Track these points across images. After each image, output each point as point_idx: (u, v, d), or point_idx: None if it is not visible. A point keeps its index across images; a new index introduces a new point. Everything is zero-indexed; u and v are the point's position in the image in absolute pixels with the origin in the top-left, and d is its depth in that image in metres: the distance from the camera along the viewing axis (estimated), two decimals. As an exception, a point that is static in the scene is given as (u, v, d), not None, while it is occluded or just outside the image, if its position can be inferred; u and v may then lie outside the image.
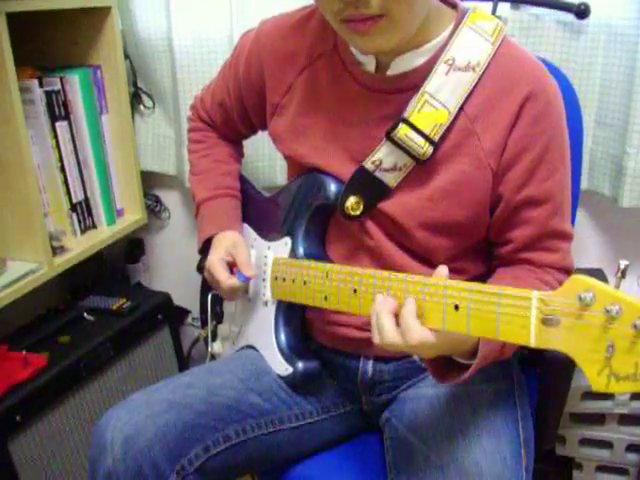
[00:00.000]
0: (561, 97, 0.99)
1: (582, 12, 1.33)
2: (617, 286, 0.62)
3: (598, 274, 1.37)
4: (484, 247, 1.07)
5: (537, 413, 1.16)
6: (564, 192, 1.00)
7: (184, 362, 1.85)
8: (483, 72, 0.94)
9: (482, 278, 1.03)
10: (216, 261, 1.14)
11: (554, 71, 1.22)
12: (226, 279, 1.12)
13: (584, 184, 1.45)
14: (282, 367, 1.12)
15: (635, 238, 1.54)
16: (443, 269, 0.82)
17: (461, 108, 0.95)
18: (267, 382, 1.12)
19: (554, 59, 1.37)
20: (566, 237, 1.02)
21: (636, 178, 1.35)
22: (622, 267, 0.62)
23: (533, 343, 0.69)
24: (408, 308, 0.81)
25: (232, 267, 1.16)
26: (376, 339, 0.83)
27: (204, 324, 1.36)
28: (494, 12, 1.37)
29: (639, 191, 1.36)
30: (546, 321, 0.67)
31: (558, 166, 0.98)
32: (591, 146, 1.44)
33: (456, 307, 0.77)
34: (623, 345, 0.60)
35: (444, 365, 0.89)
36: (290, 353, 1.13)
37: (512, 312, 0.71)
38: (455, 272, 0.85)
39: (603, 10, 1.34)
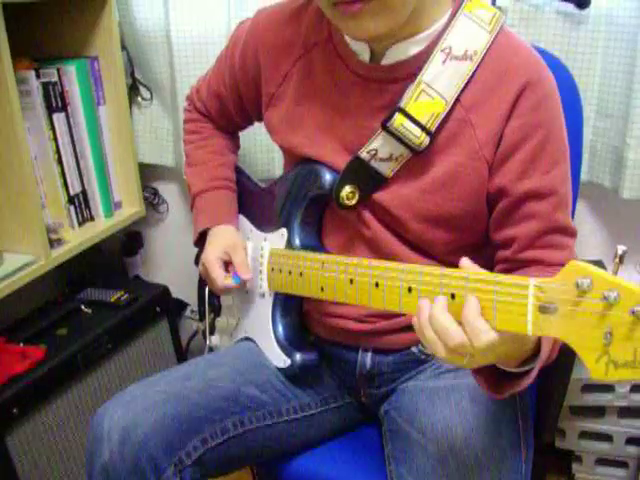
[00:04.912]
0: (557, 90, 0.97)
1: (582, 3, 1.32)
2: (615, 272, 0.62)
3: (598, 265, 1.36)
4: (484, 244, 1.04)
5: (537, 405, 1.15)
6: (566, 185, 0.98)
7: (182, 355, 1.84)
8: (480, 61, 0.93)
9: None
10: (213, 259, 1.14)
11: (554, 62, 1.21)
12: (222, 279, 1.12)
13: (584, 175, 1.44)
14: (280, 359, 1.12)
15: (636, 229, 1.53)
16: (466, 261, 0.78)
17: (457, 98, 0.94)
18: (265, 374, 1.12)
19: (554, 50, 1.36)
20: (571, 233, 1.00)
21: (636, 169, 1.35)
22: (620, 252, 0.61)
23: (530, 331, 0.68)
24: (472, 307, 0.73)
25: (227, 265, 1.16)
26: (440, 350, 0.74)
27: (202, 317, 1.35)
28: (494, 2, 1.37)
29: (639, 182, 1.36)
30: (543, 309, 0.66)
31: (559, 158, 0.96)
32: (591, 137, 1.44)
33: (453, 296, 0.76)
34: (621, 332, 0.60)
35: (491, 380, 0.84)
36: (288, 345, 1.12)
37: (509, 300, 0.70)
38: (454, 267, 0.84)
39: (603, 0, 1.33)
